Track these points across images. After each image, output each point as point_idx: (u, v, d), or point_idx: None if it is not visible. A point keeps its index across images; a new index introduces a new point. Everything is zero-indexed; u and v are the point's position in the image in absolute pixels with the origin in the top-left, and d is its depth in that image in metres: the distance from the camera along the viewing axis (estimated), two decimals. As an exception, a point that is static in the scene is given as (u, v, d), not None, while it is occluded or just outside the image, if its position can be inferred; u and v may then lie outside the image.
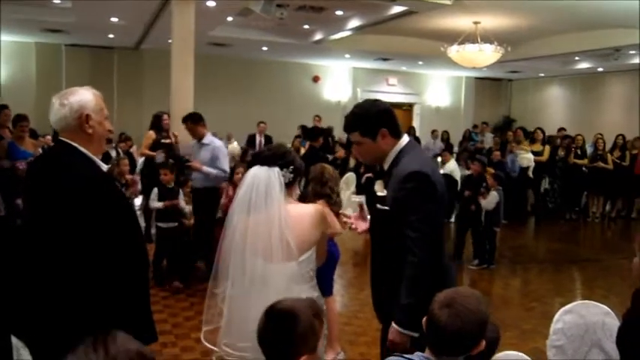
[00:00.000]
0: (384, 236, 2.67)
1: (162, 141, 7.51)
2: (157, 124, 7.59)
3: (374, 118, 2.58)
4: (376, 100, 2.73)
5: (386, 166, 2.64)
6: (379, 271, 2.73)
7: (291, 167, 2.58)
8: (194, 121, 6.32)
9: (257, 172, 2.53)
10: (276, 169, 2.52)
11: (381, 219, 2.66)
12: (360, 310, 5.41)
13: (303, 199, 3.75)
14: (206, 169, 6.08)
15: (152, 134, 7.52)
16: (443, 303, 1.83)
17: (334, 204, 4.03)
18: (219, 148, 6.25)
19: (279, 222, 2.44)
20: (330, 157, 11.27)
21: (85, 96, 2.34)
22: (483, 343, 1.85)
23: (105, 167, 2.43)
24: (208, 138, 6.29)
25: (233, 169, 6.41)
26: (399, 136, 2.61)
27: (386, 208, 2.61)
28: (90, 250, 2.17)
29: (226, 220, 2.60)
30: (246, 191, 2.51)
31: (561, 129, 12.96)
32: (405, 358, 1.88)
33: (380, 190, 2.68)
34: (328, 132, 12.93)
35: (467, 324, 1.78)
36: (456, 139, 14.73)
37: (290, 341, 1.79)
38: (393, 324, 2.52)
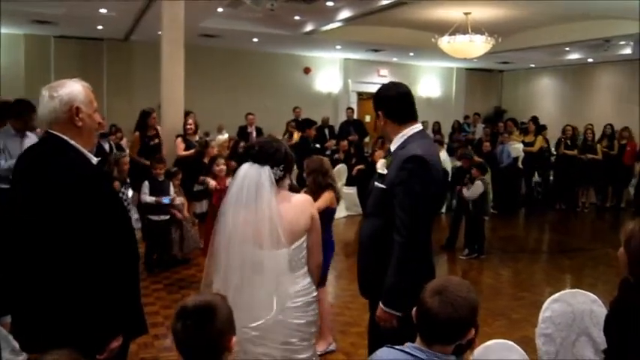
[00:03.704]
0: (376, 213, 2.78)
1: (151, 143, 7.47)
2: (143, 122, 7.53)
3: (377, 98, 2.80)
4: (398, 85, 2.84)
5: (392, 148, 2.78)
6: (367, 250, 2.84)
7: (282, 166, 2.61)
8: None
9: (248, 170, 2.57)
10: (267, 168, 2.55)
11: (377, 197, 2.77)
12: (351, 301, 5.44)
13: (296, 190, 3.80)
14: None
15: (138, 137, 7.48)
16: (434, 291, 1.82)
17: (336, 192, 4.15)
18: None
19: (270, 217, 2.50)
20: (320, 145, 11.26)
21: (74, 88, 2.32)
22: (473, 331, 1.85)
23: (95, 160, 2.40)
24: None
25: (213, 162, 6.40)
26: (401, 122, 2.76)
27: (383, 186, 2.71)
28: (80, 243, 2.16)
29: (219, 214, 2.62)
30: (238, 188, 2.56)
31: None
32: (396, 348, 1.87)
33: (381, 168, 2.74)
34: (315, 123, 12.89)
35: (458, 311, 1.79)
36: (447, 130, 14.76)
37: (211, 335, 1.78)
38: (380, 303, 2.65)
